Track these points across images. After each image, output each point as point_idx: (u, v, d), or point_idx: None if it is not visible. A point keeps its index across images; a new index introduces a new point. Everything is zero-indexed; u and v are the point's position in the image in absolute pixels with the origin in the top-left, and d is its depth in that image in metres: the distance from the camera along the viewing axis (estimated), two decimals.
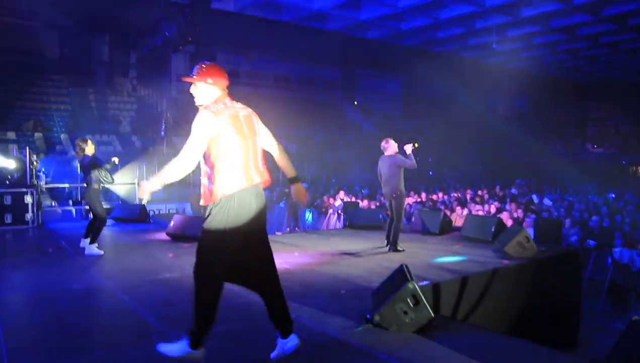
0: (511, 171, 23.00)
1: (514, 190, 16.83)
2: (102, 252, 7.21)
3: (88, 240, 7.22)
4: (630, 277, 8.48)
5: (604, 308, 8.52)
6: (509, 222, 9.35)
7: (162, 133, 20.13)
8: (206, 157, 3.13)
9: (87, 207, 7.43)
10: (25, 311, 4.61)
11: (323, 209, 14.72)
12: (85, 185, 7.48)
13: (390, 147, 7.39)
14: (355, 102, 30.27)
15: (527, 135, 26.73)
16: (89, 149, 7.47)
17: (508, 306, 6.06)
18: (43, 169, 12.35)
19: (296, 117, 23.70)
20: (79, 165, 7.62)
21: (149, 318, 4.25)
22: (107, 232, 10.15)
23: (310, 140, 24.17)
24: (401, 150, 7.40)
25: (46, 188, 12.29)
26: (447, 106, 25.67)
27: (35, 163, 11.56)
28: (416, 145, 7.42)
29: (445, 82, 24.51)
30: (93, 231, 7.25)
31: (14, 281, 5.73)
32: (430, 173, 22.39)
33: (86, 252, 7.14)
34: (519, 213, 11.42)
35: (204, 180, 3.17)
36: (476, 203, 13.60)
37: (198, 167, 3.20)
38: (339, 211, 13.40)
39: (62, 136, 20.78)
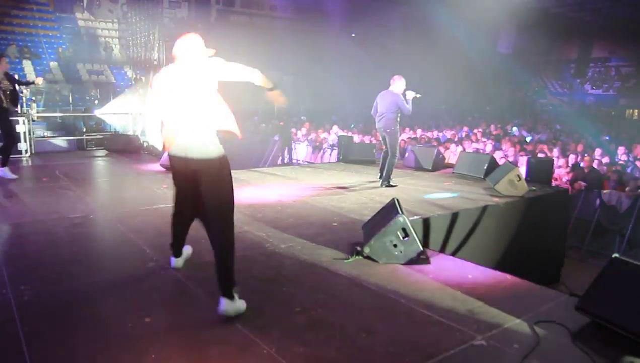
0: (508, 110, 22.85)
1: (509, 129, 16.82)
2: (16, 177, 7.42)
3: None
4: (616, 218, 8.66)
5: (588, 248, 8.76)
6: (502, 161, 9.42)
7: (155, 62, 19.68)
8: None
9: None
10: (23, 239, 4.68)
11: (317, 143, 14.72)
12: None
13: (400, 84, 7.36)
14: (353, 34, 29.49)
15: (527, 73, 26.31)
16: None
17: (496, 242, 6.22)
18: (33, 98, 12.13)
19: (292, 48, 23.16)
20: None
21: (144, 246, 4.34)
22: (101, 162, 10.17)
23: (306, 72, 23.75)
24: (404, 92, 7.38)
25: (37, 117, 12.12)
26: (447, 41, 25.07)
27: (25, 91, 11.36)
28: (418, 95, 7.40)
29: (445, 16, 23.80)
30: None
31: (10, 210, 5.78)
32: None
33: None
34: (513, 152, 11.46)
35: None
36: (471, 141, 13.61)
37: None
38: (333, 145, 13.42)
39: (52, 64, 20.30)
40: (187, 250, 3.90)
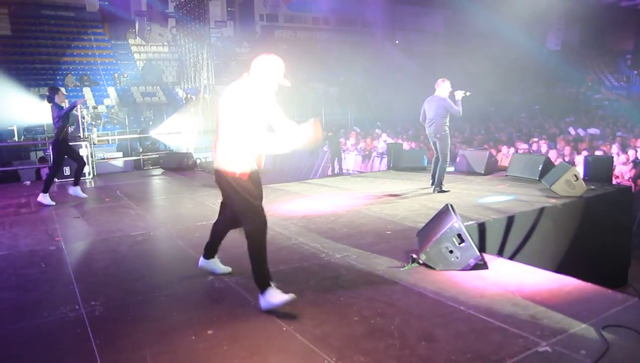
0: (561, 108, 22.07)
1: (563, 127, 16.26)
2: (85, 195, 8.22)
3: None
4: None
5: None
6: (557, 161, 9.12)
7: (205, 81, 20.29)
8: None
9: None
10: (90, 257, 4.93)
11: (366, 152, 14.71)
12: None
13: (445, 87, 7.29)
14: (397, 42, 29.39)
15: (578, 69, 25.37)
16: (59, 98, 7.84)
17: (555, 245, 6.03)
18: (94, 123, 12.77)
19: (336, 60, 23.31)
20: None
21: None
22: (157, 180, 10.56)
23: (351, 82, 23.83)
24: (451, 95, 7.30)
25: (98, 140, 12.75)
26: (492, 42, 24.56)
27: (87, 117, 11.98)
28: (467, 93, 7.29)
29: (489, 16, 23.34)
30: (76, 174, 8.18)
31: (77, 229, 6.11)
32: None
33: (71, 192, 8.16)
34: (568, 150, 11.07)
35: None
36: (523, 141, 13.25)
37: None
38: (383, 153, 13.38)
39: (109, 89, 21.29)
40: (224, 267, 4.09)
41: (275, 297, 3.26)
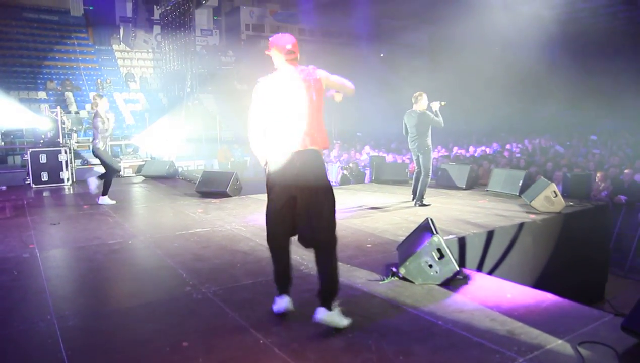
0: (541, 124, 22.42)
1: (543, 144, 16.50)
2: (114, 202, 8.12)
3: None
4: None
5: (632, 264, 8.45)
6: (537, 177, 9.23)
7: (188, 89, 20.22)
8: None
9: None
10: (66, 265, 4.84)
11: (351, 164, 14.73)
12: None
13: (422, 101, 7.32)
14: (382, 55, 29.65)
15: (559, 86, 25.80)
16: (96, 105, 7.87)
17: (534, 260, 6.08)
18: (74, 128, 12.59)
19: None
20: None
21: (182, 271, 4.41)
22: (137, 188, 10.44)
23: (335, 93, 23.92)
24: (428, 107, 7.34)
25: (78, 146, 12.57)
26: (476, 58, 24.91)
27: (67, 122, 11.81)
28: (443, 103, 7.33)
29: (474, 33, 23.71)
30: (104, 183, 8.04)
31: (53, 237, 5.98)
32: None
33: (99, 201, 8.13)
34: (548, 167, 11.23)
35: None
36: (504, 157, 13.41)
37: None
38: (365, 166, 13.41)
39: (92, 95, 21.05)
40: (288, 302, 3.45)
41: (343, 319, 3.15)
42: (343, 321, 3.15)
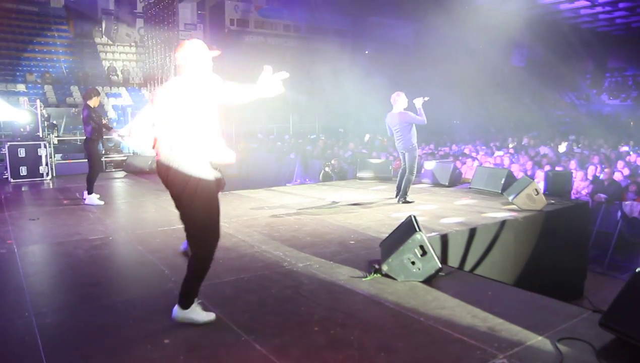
0: (524, 122, 22.68)
1: (525, 142, 16.69)
2: (102, 203, 7.66)
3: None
4: (638, 230, 8.50)
5: (611, 261, 8.59)
6: (519, 175, 9.33)
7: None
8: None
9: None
10: (44, 261, 4.76)
11: (333, 161, 14.73)
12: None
13: (401, 101, 7.30)
14: (366, 52, 29.68)
15: (541, 85, 26.16)
16: (91, 101, 7.52)
17: (515, 257, 6.14)
18: (54, 122, 12.38)
19: (306, 67, 23.36)
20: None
21: (163, 267, 4.37)
22: (119, 183, 10.32)
23: (319, 91, 23.91)
24: (410, 104, 7.34)
25: (58, 141, 12.36)
26: (461, 56, 25.07)
27: (46, 115, 11.61)
28: (426, 98, 7.32)
29: (459, 31, 23.86)
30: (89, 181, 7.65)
31: (32, 232, 5.88)
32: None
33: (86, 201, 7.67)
34: (530, 165, 11.36)
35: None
36: (487, 155, 13.53)
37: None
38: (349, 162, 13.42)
39: (72, 88, 20.74)
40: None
41: (200, 314, 3.18)
42: (201, 316, 3.18)
